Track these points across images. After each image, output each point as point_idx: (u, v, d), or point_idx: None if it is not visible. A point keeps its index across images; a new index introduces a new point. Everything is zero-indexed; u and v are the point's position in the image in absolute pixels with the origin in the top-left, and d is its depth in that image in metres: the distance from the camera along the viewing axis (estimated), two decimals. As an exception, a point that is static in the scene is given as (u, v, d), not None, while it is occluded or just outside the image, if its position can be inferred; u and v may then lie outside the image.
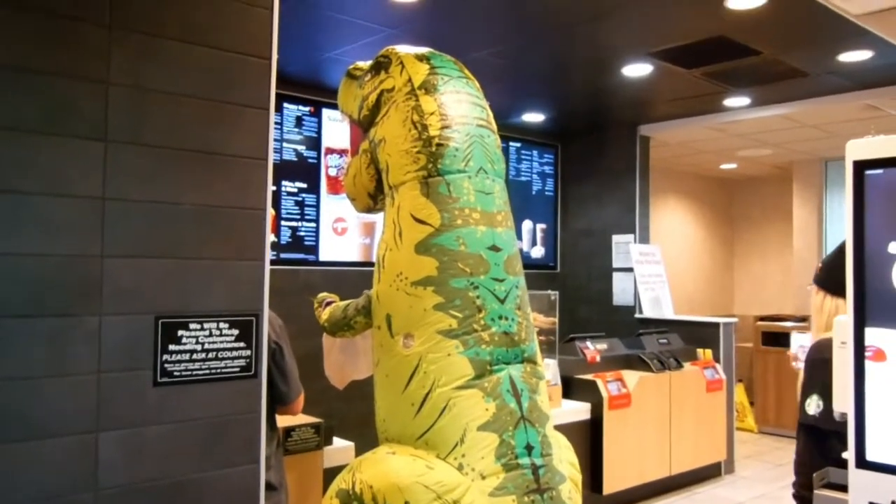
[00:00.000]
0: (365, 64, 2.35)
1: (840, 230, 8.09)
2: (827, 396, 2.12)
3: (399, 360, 1.83)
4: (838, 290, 2.23)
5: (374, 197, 2.16)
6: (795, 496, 2.32)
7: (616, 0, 3.73)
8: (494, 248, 1.88)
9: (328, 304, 2.33)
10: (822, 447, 2.24)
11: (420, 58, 2.10)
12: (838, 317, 2.17)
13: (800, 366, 2.46)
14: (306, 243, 5.38)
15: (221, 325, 1.71)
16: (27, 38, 1.49)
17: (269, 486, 2.29)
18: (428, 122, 1.94)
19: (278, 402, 2.28)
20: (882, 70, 4.84)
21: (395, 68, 2.10)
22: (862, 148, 1.98)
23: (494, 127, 2.11)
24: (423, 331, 1.80)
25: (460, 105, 2.01)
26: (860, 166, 1.98)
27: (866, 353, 1.95)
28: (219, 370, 1.71)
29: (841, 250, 2.26)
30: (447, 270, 1.81)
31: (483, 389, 1.76)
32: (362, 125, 2.21)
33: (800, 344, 2.87)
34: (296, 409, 2.36)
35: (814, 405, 2.25)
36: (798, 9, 3.73)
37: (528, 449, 1.76)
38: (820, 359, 2.25)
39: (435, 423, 1.74)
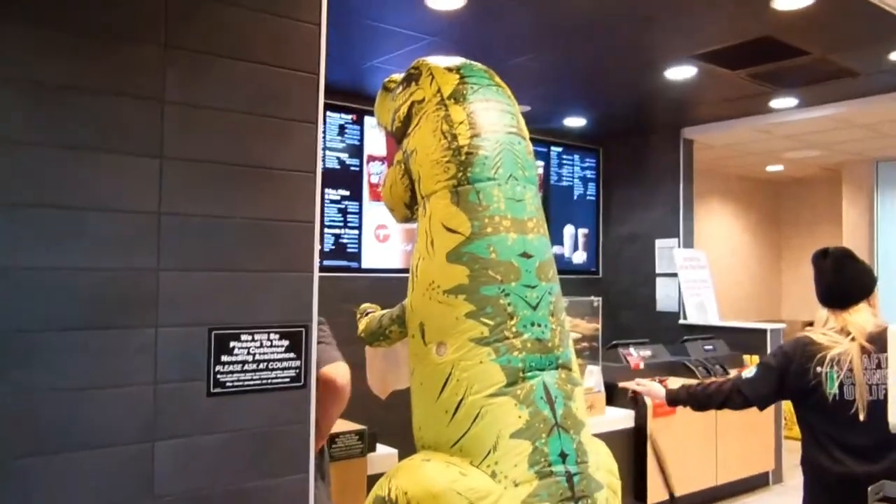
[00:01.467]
0: (399, 76, 2.37)
1: (892, 232, 7.86)
2: (760, 369, 2.63)
3: (432, 368, 1.85)
4: (823, 302, 2.62)
5: (410, 207, 2.19)
6: (678, 391, 2.84)
7: (658, 3, 3.69)
8: (525, 255, 1.87)
9: (369, 314, 2.34)
10: (728, 395, 2.64)
11: (450, 68, 2.10)
12: (892, 325, 2.15)
13: None
14: (349, 250, 5.42)
15: (272, 335, 1.74)
16: (85, 58, 1.54)
17: (325, 479, 2.30)
18: (457, 131, 1.95)
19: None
20: (937, 68, 4.71)
21: (424, 79, 2.11)
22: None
23: (526, 133, 2.10)
24: (456, 339, 1.81)
25: (489, 113, 2.01)
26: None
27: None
28: (269, 381, 1.74)
29: (815, 270, 2.66)
30: (478, 278, 1.82)
31: (516, 397, 1.76)
32: (396, 137, 2.23)
33: None
34: (333, 375, 2.07)
35: (748, 370, 2.67)
36: (847, 8, 3.64)
37: (563, 456, 1.75)
38: (781, 345, 2.69)
39: (468, 430, 1.75)
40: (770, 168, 8.73)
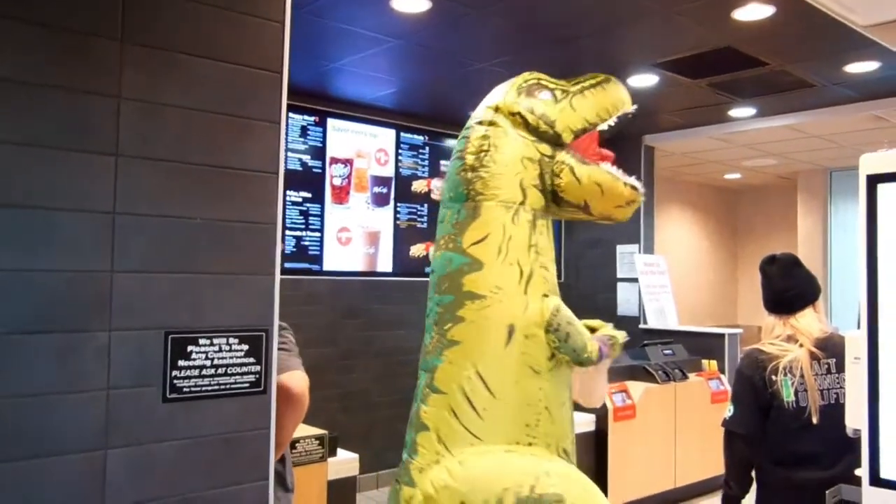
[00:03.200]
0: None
1: (844, 240, 8.07)
2: (735, 403, 2.56)
3: None
4: (769, 309, 2.64)
5: None
6: (723, 489, 2.65)
7: (622, 11, 3.73)
8: (432, 270, 2.10)
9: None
10: (731, 447, 2.56)
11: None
12: (850, 331, 2.19)
13: None
14: (310, 253, 5.37)
15: (231, 340, 1.70)
16: (39, 52, 1.48)
17: (286, 489, 2.25)
18: None
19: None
20: (889, 81, 4.84)
21: None
22: (875, 162, 1.97)
23: (465, 152, 2.09)
24: None
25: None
26: (873, 180, 1.97)
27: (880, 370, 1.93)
28: (228, 386, 1.69)
29: (762, 275, 2.67)
30: None
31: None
32: None
33: None
34: (288, 384, 2.01)
35: (727, 410, 2.58)
36: (805, 20, 3.72)
37: (405, 445, 2.04)
38: (738, 369, 2.62)
39: None
40: (728, 176, 8.90)
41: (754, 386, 2.52)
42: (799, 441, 2.46)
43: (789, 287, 2.59)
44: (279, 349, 2.11)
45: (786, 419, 2.46)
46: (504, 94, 2.14)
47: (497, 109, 2.10)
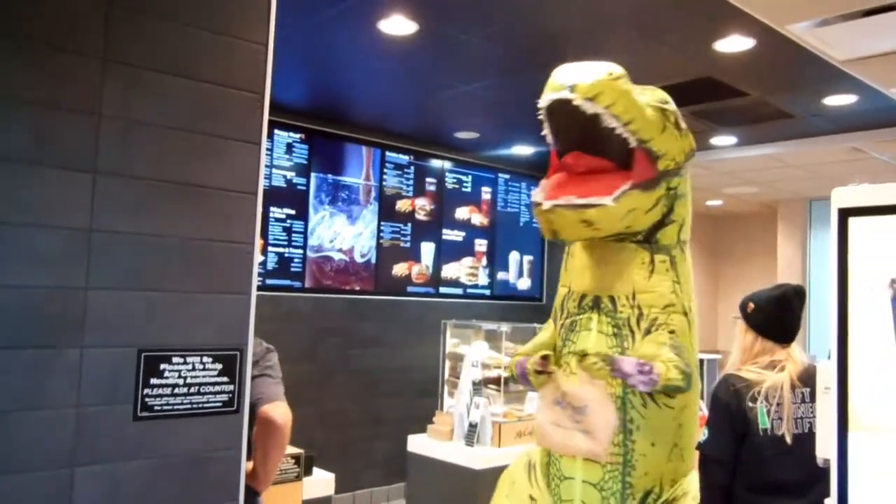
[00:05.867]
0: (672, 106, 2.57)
1: (823, 268, 8.16)
2: (710, 428, 2.53)
3: None
4: (771, 335, 2.59)
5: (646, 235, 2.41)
6: None
7: (605, 39, 3.78)
8: None
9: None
10: (705, 471, 2.51)
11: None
12: (821, 361, 2.21)
13: None
14: (293, 269, 5.36)
15: (205, 359, 1.69)
16: (20, 67, 1.49)
17: None
18: None
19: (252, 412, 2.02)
20: (866, 114, 4.93)
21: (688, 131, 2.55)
22: (847, 195, 2.00)
23: None
24: None
25: None
26: (845, 213, 2.01)
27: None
28: (200, 405, 1.69)
29: (778, 302, 2.63)
30: None
31: None
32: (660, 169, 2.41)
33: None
34: (272, 415, 2.04)
35: (702, 434, 2.55)
36: (785, 54, 3.79)
37: None
38: (713, 393, 2.60)
39: None
40: (710, 202, 8.99)
41: (730, 411, 2.50)
42: (772, 469, 2.46)
43: (795, 317, 2.64)
44: (265, 375, 2.10)
45: (760, 446, 2.46)
46: None
47: None
